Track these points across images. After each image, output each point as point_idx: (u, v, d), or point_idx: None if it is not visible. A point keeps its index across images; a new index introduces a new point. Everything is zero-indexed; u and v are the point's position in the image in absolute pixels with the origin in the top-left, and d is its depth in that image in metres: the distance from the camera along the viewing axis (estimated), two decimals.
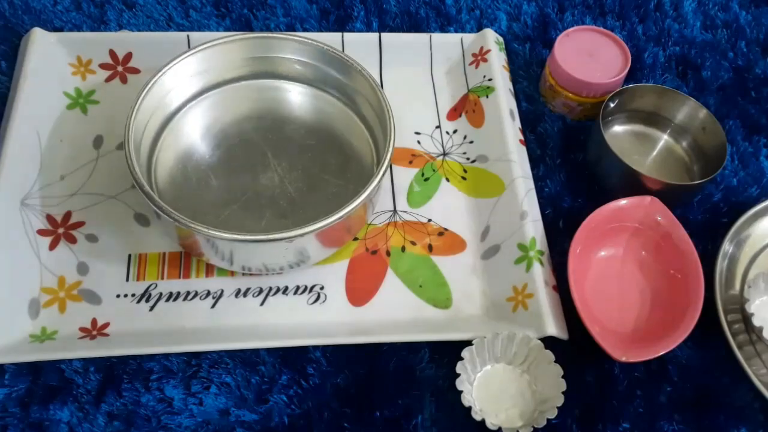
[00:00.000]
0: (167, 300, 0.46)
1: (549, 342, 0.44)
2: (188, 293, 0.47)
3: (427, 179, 0.54)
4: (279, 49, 0.52)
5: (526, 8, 0.65)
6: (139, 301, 0.46)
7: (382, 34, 0.59)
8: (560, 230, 0.51)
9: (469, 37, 0.60)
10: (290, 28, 0.61)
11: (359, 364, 0.45)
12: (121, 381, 0.43)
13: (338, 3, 0.63)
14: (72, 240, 0.48)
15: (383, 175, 0.45)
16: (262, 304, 0.47)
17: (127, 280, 0.47)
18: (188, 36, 0.55)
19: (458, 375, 0.42)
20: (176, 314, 0.46)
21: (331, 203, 0.46)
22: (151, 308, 0.46)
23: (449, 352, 0.45)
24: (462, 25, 0.63)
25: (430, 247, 0.51)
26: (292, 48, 0.51)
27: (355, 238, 0.50)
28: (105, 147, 0.52)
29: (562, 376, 0.42)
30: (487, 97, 0.56)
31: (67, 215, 0.49)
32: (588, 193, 0.54)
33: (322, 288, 0.48)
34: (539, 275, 0.46)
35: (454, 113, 0.58)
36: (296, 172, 0.50)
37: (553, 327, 0.44)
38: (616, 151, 0.50)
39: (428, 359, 0.45)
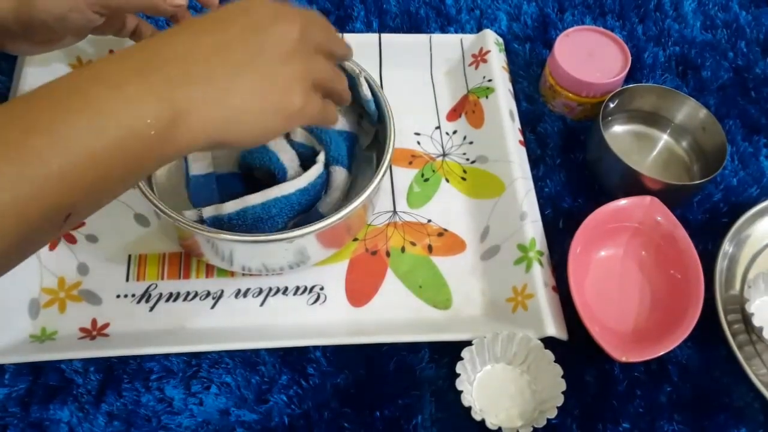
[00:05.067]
0: (167, 300, 0.46)
1: (549, 342, 0.44)
2: (188, 293, 0.47)
3: (426, 180, 0.54)
4: None
5: (526, 8, 0.65)
6: (139, 302, 0.46)
7: (382, 35, 0.59)
8: (560, 230, 0.51)
9: (468, 38, 0.60)
10: None
11: (359, 365, 0.45)
12: (121, 381, 0.43)
13: (338, 3, 0.63)
14: (72, 240, 0.48)
15: (383, 175, 0.45)
16: (262, 304, 0.47)
17: (127, 280, 0.47)
18: None
19: (458, 375, 0.42)
20: (176, 314, 0.46)
21: None
22: (151, 308, 0.46)
23: (449, 353, 0.45)
24: (462, 25, 0.63)
25: (429, 248, 0.51)
26: None
27: (355, 239, 0.50)
28: None
29: (562, 376, 0.42)
30: (486, 97, 0.56)
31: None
32: (588, 193, 0.54)
33: (322, 288, 0.48)
34: (539, 276, 0.46)
35: (453, 114, 0.58)
36: None
37: (552, 327, 0.44)
38: (616, 151, 0.50)
39: (428, 359, 0.45)
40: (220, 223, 0.42)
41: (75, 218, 0.29)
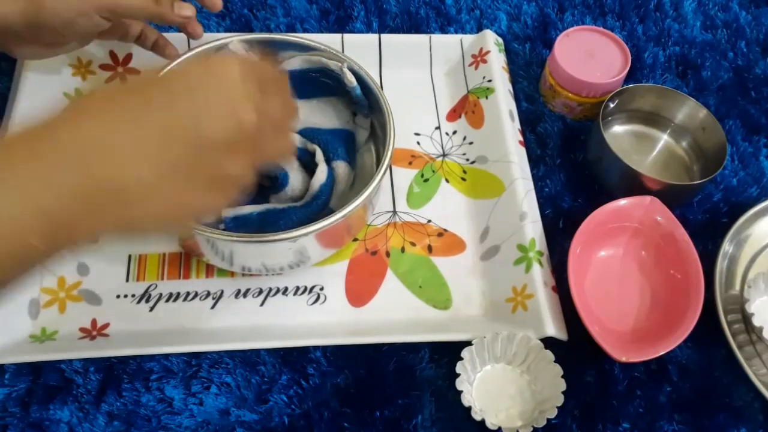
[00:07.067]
0: (167, 300, 0.46)
1: (549, 342, 0.44)
2: (188, 294, 0.47)
3: (426, 180, 0.54)
4: (279, 49, 0.52)
5: (526, 8, 0.65)
6: (139, 302, 0.46)
7: (382, 35, 0.59)
8: (560, 230, 0.51)
9: (468, 38, 0.60)
10: (290, 28, 0.61)
11: (359, 365, 0.45)
12: (121, 381, 0.43)
13: (338, 3, 0.63)
14: None
15: (383, 175, 0.45)
16: (262, 304, 0.47)
17: (127, 280, 0.47)
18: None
19: (458, 375, 0.42)
20: (176, 315, 0.46)
21: None
22: (151, 309, 0.46)
23: (449, 353, 0.45)
24: (462, 25, 0.63)
25: (429, 248, 0.51)
26: (292, 49, 0.51)
27: (355, 239, 0.50)
28: None
29: (562, 376, 0.42)
30: (486, 98, 0.56)
31: None
32: (588, 193, 0.54)
33: (321, 289, 0.48)
34: (538, 276, 0.46)
35: (453, 114, 0.58)
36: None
37: (552, 328, 0.44)
38: (616, 151, 0.50)
39: (428, 359, 0.45)
40: (239, 222, 0.44)
41: None
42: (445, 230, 0.52)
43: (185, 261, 0.48)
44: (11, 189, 0.26)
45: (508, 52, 0.62)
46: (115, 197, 0.28)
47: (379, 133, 0.51)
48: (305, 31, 0.61)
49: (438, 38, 0.60)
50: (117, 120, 0.29)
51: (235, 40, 0.49)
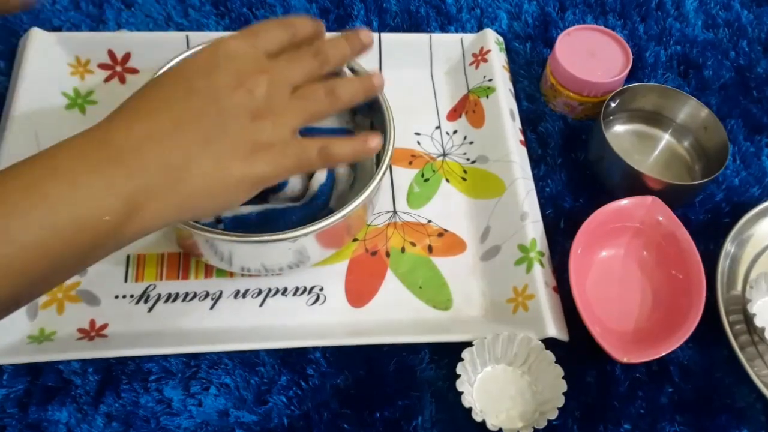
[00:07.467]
0: (166, 301, 0.46)
1: (549, 342, 0.44)
2: (187, 294, 0.47)
3: (427, 180, 0.54)
4: None
5: (527, 7, 0.65)
6: (137, 302, 0.46)
7: (382, 34, 0.59)
8: (561, 230, 0.51)
9: (469, 37, 0.60)
10: None
11: (359, 365, 0.44)
12: (119, 382, 0.42)
13: (338, 1, 0.63)
14: None
15: (383, 175, 0.45)
16: (261, 305, 0.47)
17: (126, 281, 0.47)
18: (187, 36, 0.55)
19: (458, 376, 0.42)
20: (175, 315, 0.46)
21: None
22: (150, 309, 0.46)
23: (449, 353, 0.44)
24: (462, 24, 0.63)
25: (430, 248, 0.51)
26: None
27: (355, 239, 0.50)
28: None
29: (563, 377, 0.42)
30: (487, 97, 0.56)
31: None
32: (589, 193, 0.54)
33: (321, 289, 0.48)
34: (539, 276, 0.46)
35: (454, 114, 0.58)
36: None
37: (553, 328, 0.44)
38: (617, 150, 0.50)
39: (428, 360, 0.45)
40: (238, 222, 0.43)
41: (19, 306, 0.30)
42: (446, 230, 0.52)
43: (184, 261, 0.48)
44: (95, 179, 0.29)
45: (509, 51, 0.61)
46: (165, 175, 0.31)
47: (375, 127, 0.51)
48: None
49: (438, 37, 0.60)
50: (153, 113, 0.32)
51: None
